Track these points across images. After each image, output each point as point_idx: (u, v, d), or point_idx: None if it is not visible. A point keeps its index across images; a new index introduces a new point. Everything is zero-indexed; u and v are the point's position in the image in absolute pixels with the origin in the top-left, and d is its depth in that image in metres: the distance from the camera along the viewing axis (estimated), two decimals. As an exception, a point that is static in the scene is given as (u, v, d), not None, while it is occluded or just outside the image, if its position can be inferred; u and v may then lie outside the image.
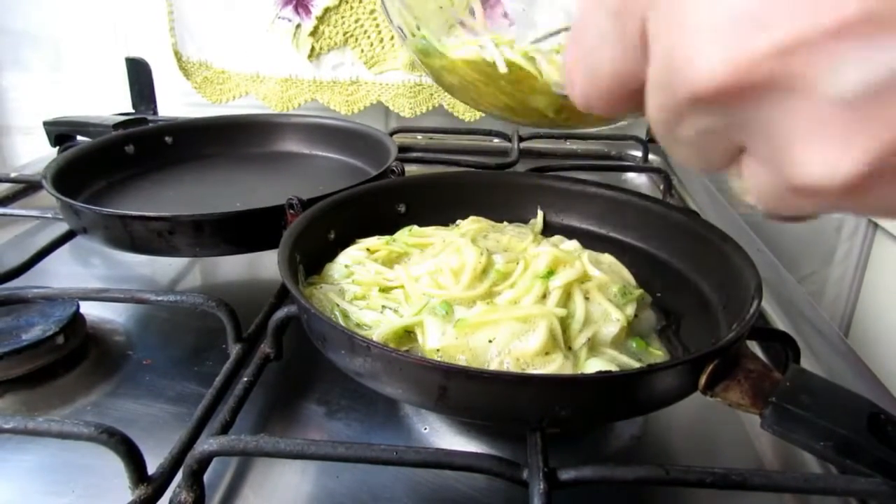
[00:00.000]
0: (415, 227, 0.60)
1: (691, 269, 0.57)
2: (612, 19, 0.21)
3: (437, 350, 0.44)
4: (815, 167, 0.17)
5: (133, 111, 1.16)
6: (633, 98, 0.22)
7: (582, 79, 0.24)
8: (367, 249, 0.56)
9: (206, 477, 0.41)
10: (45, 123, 1.00)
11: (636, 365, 0.45)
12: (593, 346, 0.47)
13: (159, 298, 0.56)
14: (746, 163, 0.21)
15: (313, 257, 0.56)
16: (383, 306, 0.50)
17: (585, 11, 0.23)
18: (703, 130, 0.20)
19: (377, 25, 1.07)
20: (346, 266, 0.54)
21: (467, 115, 1.12)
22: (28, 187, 0.91)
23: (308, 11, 1.07)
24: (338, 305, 0.50)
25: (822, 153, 0.17)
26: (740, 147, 0.20)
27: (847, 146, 0.16)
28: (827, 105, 0.16)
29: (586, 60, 0.23)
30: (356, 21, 1.07)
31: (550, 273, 0.50)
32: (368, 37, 1.08)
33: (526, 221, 0.66)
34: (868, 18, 0.15)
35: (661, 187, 0.92)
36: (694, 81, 0.18)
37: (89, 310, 0.60)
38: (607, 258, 0.57)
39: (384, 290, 0.51)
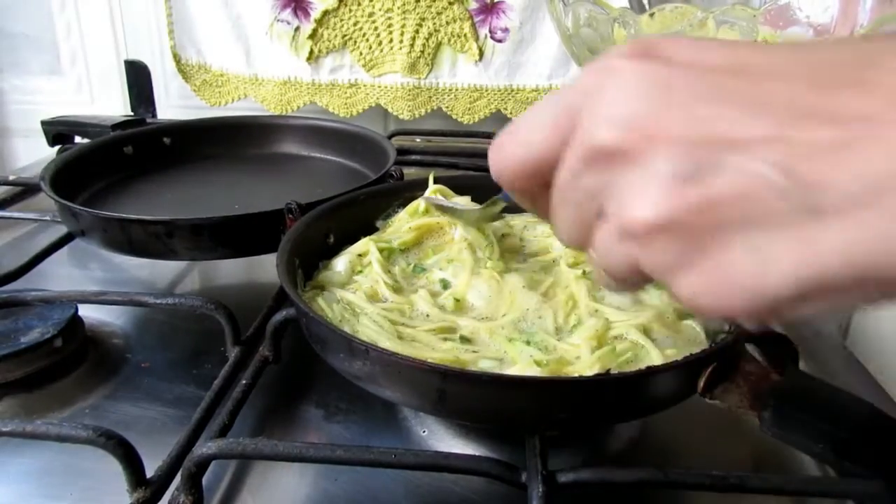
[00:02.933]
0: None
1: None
2: (556, 115, 0.29)
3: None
4: (637, 210, 0.26)
5: (132, 114, 1.16)
6: (536, 175, 0.31)
7: (510, 149, 0.32)
8: (360, 255, 0.56)
9: (204, 480, 0.42)
10: (44, 122, 1.00)
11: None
12: None
13: (158, 301, 0.56)
14: (599, 226, 0.29)
15: (312, 261, 0.56)
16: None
17: (539, 105, 0.31)
18: (585, 189, 0.28)
19: (375, 28, 1.07)
20: (349, 276, 0.54)
21: (466, 117, 1.12)
22: (26, 190, 0.91)
23: (307, 14, 1.07)
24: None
25: (643, 202, 0.26)
26: (600, 211, 0.28)
27: (656, 202, 0.25)
28: (657, 177, 0.25)
29: (520, 137, 0.31)
30: (355, 24, 1.07)
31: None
32: (367, 40, 1.08)
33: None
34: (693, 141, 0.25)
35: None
36: (594, 140, 0.27)
37: (88, 312, 0.60)
38: None
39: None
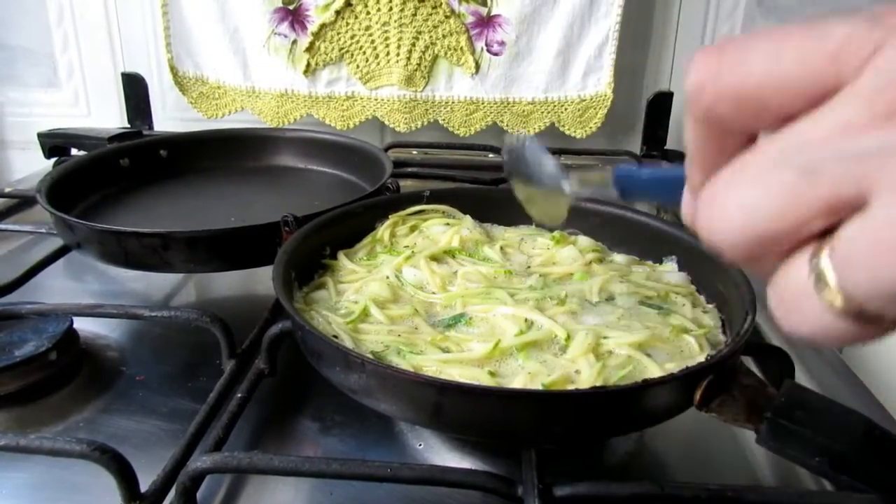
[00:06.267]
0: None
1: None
2: (804, 175, 0.19)
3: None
4: None
5: (129, 126, 1.16)
6: (773, 253, 0.20)
7: (734, 214, 0.21)
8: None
9: (199, 494, 0.41)
10: (40, 135, 1.00)
11: None
12: None
13: (153, 314, 0.56)
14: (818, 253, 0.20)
15: (308, 274, 0.56)
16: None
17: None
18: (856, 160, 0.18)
19: (372, 42, 1.07)
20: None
21: (462, 129, 1.12)
22: (22, 202, 0.91)
23: (304, 28, 1.07)
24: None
25: None
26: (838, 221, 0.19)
27: None
28: None
29: (747, 195, 0.20)
30: (352, 37, 1.07)
31: None
32: (364, 52, 1.08)
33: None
34: None
35: (655, 202, 0.93)
36: None
37: (83, 325, 0.60)
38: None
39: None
